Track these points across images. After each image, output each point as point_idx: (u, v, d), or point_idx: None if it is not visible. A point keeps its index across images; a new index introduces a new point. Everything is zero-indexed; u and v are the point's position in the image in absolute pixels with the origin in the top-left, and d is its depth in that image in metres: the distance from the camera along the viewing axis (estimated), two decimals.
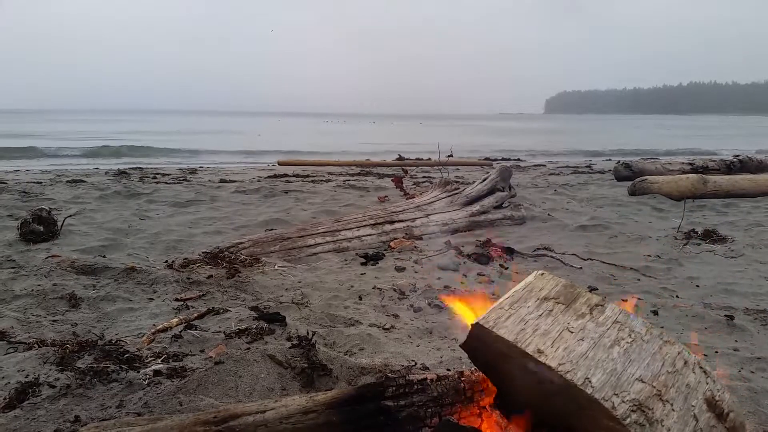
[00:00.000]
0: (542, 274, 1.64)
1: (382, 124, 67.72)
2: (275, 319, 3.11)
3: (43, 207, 5.58)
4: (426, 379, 1.82)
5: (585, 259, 4.78)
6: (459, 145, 19.70)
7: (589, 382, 1.35)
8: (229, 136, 32.14)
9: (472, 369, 1.86)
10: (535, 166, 15.31)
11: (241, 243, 4.84)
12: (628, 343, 1.44)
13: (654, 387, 1.38)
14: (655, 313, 3.56)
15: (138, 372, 2.43)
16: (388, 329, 3.23)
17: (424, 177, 11.32)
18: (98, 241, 5.28)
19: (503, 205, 6.54)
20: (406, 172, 11.96)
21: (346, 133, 41.04)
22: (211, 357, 2.59)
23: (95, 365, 2.47)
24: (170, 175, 11.26)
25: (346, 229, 5.27)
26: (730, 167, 10.94)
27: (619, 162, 11.70)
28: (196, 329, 3.02)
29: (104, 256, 4.60)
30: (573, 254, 4.92)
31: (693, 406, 1.42)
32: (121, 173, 11.28)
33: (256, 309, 3.35)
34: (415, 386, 1.79)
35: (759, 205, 7.82)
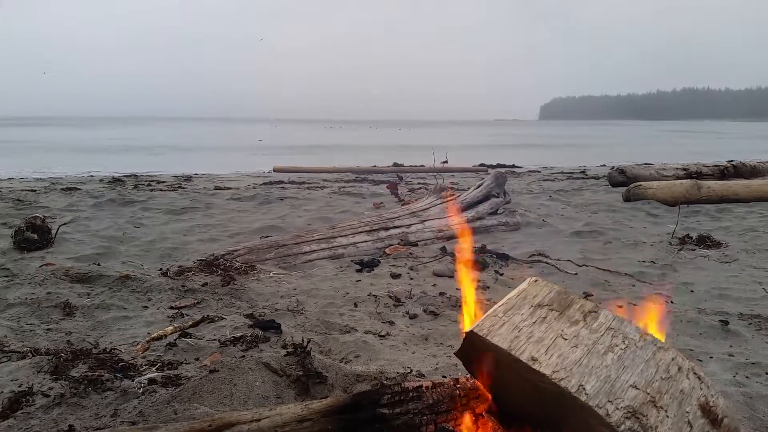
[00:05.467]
0: (536, 280, 1.64)
1: (382, 130, 67.56)
2: (270, 326, 3.11)
3: (38, 215, 5.56)
4: (421, 386, 1.82)
5: (580, 265, 4.79)
6: (454, 150, 19.72)
7: (583, 389, 1.36)
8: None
9: (468, 376, 1.87)
10: (529, 172, 15.36)
11: (236, 250, 4.84)
12: (621, 349, 1.45)
13: (648, 393, 1.38)
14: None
15: (133, 380, 2.42)
16: (383, 336, 3.22)
17: (419, 183, 11.33)
18: (93, 249, 5.26)
19: (498, 212, 6.55)
20: (401, 178, 12.00)
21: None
22: (206, 365, 2.59)
23: (90, 374, 2.46)
24: (165, 182, 11.24)
25: (341, 236, 5.27)
26: (724, 173, 11.00)
27: (613, 167, 11.75)
28: (190, 337, 3.01)
29: (99, 264, 4.58)
30: (568, 260, 4.93)
31: (687, 412, 1.42)
32: (116, 180, 11.26)
33: (251, 316, 3.34)
34: (411, 394, 1.79)
35: (753, 210, 7.86)
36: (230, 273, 4.27)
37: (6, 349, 2.83)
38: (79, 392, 2.30)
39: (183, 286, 3.94)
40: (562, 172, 14.79)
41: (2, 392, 2.32)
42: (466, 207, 6.32)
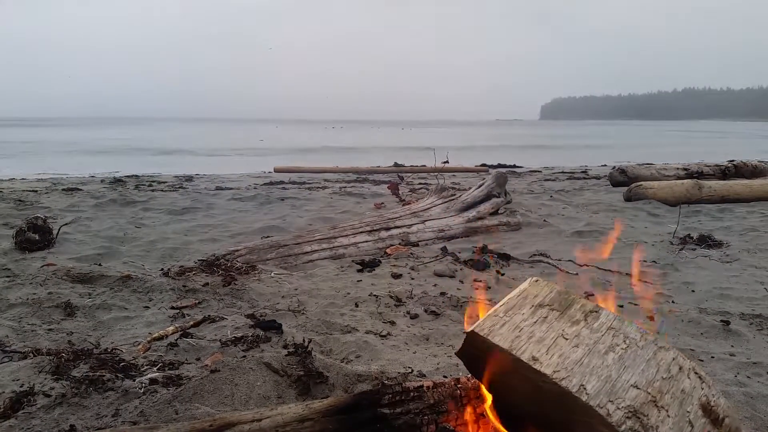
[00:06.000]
0: (537, 280, 1.64)
1: (383, 130, 67.49)
2: (271, 326, 3.11)
3: (39, 215, 5.57)
4: (422, 386, 1.82)
5: (581, 265, 4.79)
6: (455, 151, 19.71)
7: (584, 389, 1.36)
8: None
9: (469, 376, 1.86)
10: (530, 171, 15.34)
11: (237, 250, 4.84)
12: (622, 349, 1.45)
13: (649, 393, 1.38)
14: (651, 318, 3.56)
15: (134, 380, 2.43)
16: (384, 336, 3.22)
17: (420, 183, 11.33)
18: (94, 250, 5.27)
19: (499, 212, 6.55)
20: (402, 178, 12.00)
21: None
22: (207, 365, 2.59)
23: (91, 374, 2.46)
24: (166, 182, 11.25)
25: (342, 236, 5.27)
26: (725, 172, 10.99)
27: (614, 167, 11.74)
28: (192, 337, 3.01)
29: (100, 264, 4.59)
30: (569, 260, 4.93)
31: (688, 411, 1.42)
32: (117, 181, 11.26)
33: (252, 317, 3.35)
34: (412, 394, 1.79)
35: (754, 210, 7.85)
36: (231, 273, 4.27)
37: (7, 349, 2.84)
38: (80, 392, 2.30)
39: (184, 286, 3.94)
40: (563, 172, 14.78)
41: (4, 392, 2.32)
42: (467, 207, 6.32)
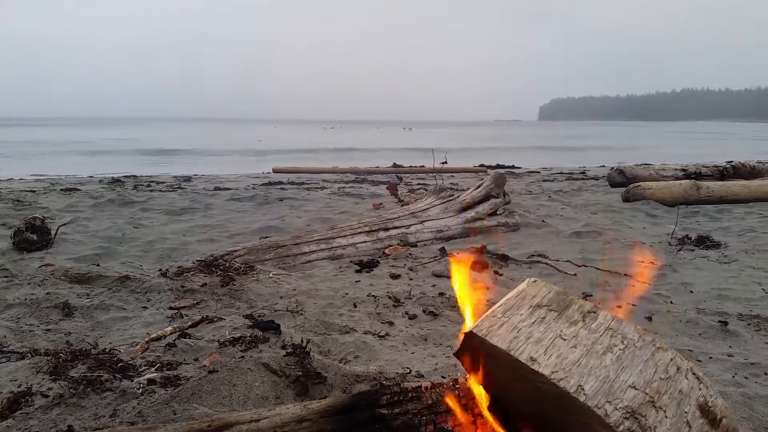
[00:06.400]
0: (535, 281, 1.64)
1: (382, 130, 67.56)
2: (270, 327, 3.11)
3: (37, 215, 5.56)
4: (420, 386, 1.82)
5: (579, 266, 4.79)
6: (454, 151, 19.72)
7: (582, 389, 1.36)
8: None
9: (467, 376, 1.86)
10: (529, 172, 15.35)
11: (235, 251, 4.84)
12: (620, 349, 1.45)
13: (647, 394, 1.38)
14: (649, 319, 3.56)
15: (132, 381, 2.42)
16: (382, 337, 3.22)
17: (419, 184, 11.33)
18: (92, 250, 5.26)
19: (498, 212, 6.55)
20: (400, 179, 12.00)
21: None
22: (205, 365, 2.59)
23: (89, 374, 2.46)
24: (164, 183, 11.24)
25: (340, 237, 5.27)
26: (723, 173, 11.01)
27: (612, 168, 11.75)
28: (190, 338, 3.01)
29: (98, 265, 4.58)
30: (567, 261, 4.93)
31: (686, 412, 1.42)
32: (115, 181, 11.25)
33: (251, 317, 3.34)
34: (410, 394, 1.79)
35: (752, 211, 7.86)
36: (229, 273, 4.27)
37: (5, 349, 2.83)
38: (78, 393, 2.30)
39: (182, 286, 3.94)
40: (561, 173, 14.79)
41: (1, 393, 2.32)
42: (466, 207, 6.32)
